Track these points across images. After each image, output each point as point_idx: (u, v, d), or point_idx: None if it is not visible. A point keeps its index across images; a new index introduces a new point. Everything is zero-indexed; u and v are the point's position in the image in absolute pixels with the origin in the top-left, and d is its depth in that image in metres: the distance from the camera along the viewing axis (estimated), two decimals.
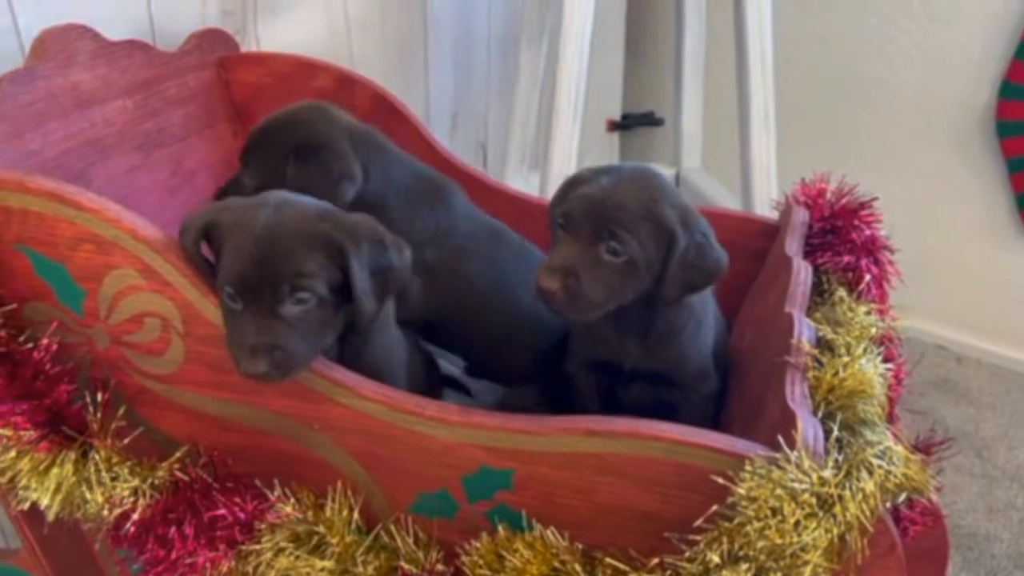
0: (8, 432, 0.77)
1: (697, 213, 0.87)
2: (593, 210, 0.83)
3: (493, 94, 1.95)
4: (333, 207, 0.81)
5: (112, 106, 1.04)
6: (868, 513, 0.65)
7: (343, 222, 0.79)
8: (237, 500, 0.81)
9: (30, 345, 0.82)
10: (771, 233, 1.07)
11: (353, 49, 1.56)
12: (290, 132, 0.97)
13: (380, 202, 0.98)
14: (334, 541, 0.79)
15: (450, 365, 1.20)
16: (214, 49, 1.21)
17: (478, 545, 0.78)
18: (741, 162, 1.64)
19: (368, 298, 0.78)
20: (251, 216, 0.76)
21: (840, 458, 0.67)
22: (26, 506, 0.81)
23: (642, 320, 0.90)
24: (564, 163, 1.50)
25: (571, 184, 0.87)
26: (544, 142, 1.53)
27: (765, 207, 1.54)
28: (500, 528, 0.78)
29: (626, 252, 0.82)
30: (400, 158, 1.05)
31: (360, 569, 0.79)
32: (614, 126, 2.33)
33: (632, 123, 2.33)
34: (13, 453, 0.79)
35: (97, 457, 0.80)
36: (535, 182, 1.64)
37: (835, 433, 0.69)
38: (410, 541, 0.81)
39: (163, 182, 1.11)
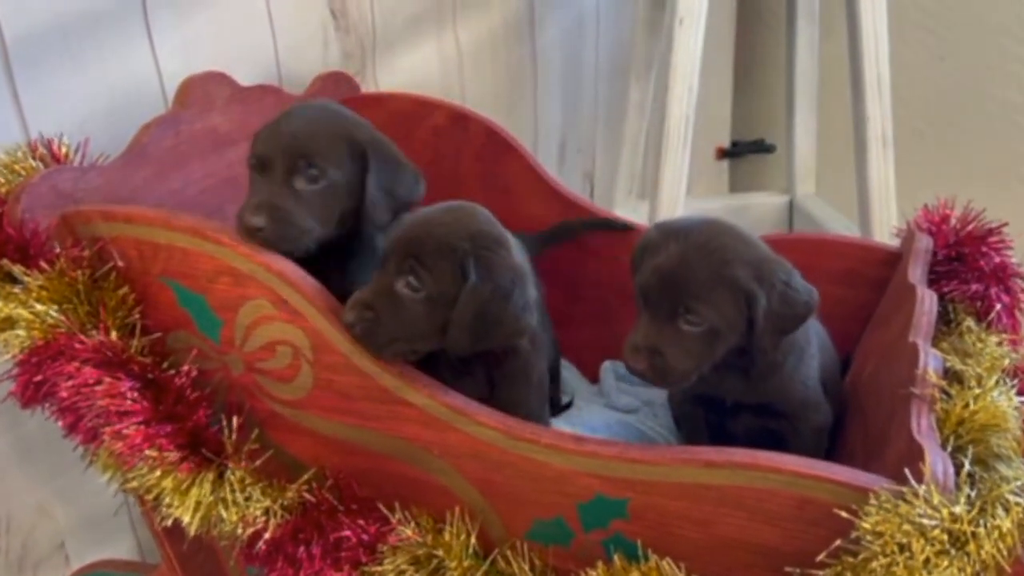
0: (153, 453, 0.83)
1: (774, 260, 0.85)
2: (665, 286, 0.83)
3: (600, 125, 1.96)
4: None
5: (246, 147, 1.10)
6: (1005, 552, 0.62)
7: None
8: (361, 522, 0.84)
9: (172, 371, 0.88)
10: (893, 261, 1.04)
11: (465, 83, 1.61)
12: (353, 129, 0.94)
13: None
14: (452, 565, 0.81)
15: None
16: (337, 91, 1.27)
17: (594, 574, 0.78)
18: (858, 188, 1.59)
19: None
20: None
21: (973, 494, 0.65)
22: (169, 523, 0.87)
23: (742, 359, 0.89)
24: (674, 192, 1.49)
25: (644, 250, 0.87)
26: (653, 171, 1.54)
27: (884, 234, 1.50)
28: (616, 558, 0.79)
29: (705, 322, 0.82)
30: None
31: None
32: (723, 153, 2.31)
33: (742, 150, 2.30)
34: (158, 473, 0.84)
35: (232, 478, 0.85)
36: (643, 210, 1.64)
37: (966, 468, 0.67)
38: (526, 568, 0.82)
39: None
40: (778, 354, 0.89)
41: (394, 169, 0.94)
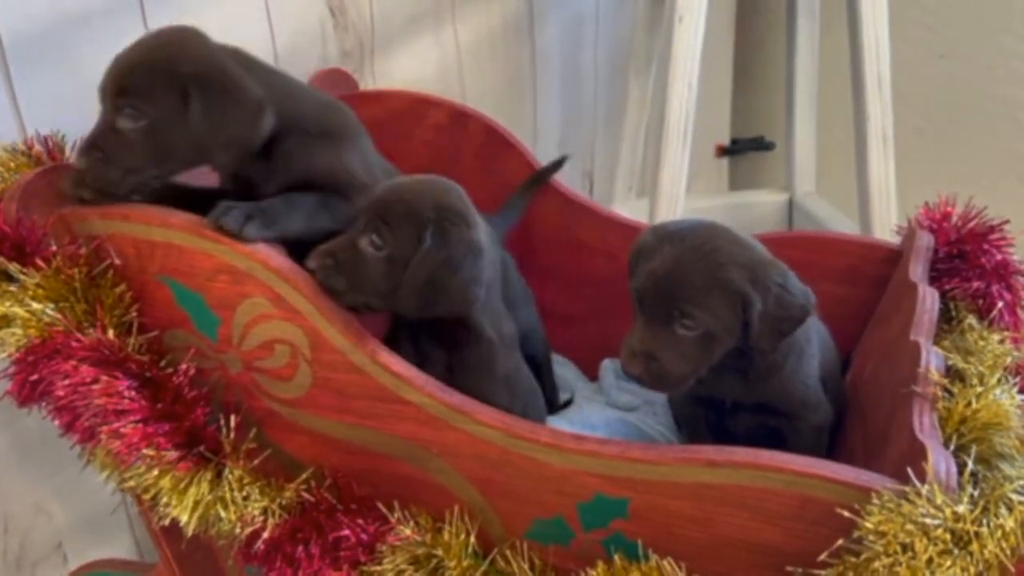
0: (151, 452, 0.82)
1: (770, 262, 0.85)
2: (660, 290, 0.82)
3: (600, 124, 1.96)
4: None
5: None
6: (1008, 552, 0.62)
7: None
8: (360, 522, 0.83)
9: (170, 370, 0.88)
10: (894, 259, 1.04)
11: (464, 81, 1.61)
12: (178, 61, 0.85)
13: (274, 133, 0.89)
14: (451, 564, 0.81)
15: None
16: (335, 88, 1.26)
17: (594, 574, 0.78)
18: (858, 186, 1.59)
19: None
20: None
21: (976, 493, 0.65)
22: (166, 522, 0.86)
23: (740, 361, 0.89)
24: (673, 190, 1.49)
25: (638, 254, 0.87)
26: (653, 169, 1.53)
27: (885, 232, 1.49)
28: (616, 558, 0.78)
29: (700, 326, 0.82)
30: (292, 80, 0.94)
31: None
32: (723, 151, 2.31)
33: (741, 148, 2.30)
34: (156, 472, 0.84)
35: (230, 477, 0.84)
36: (643, 207, 1.64)
37: (969, 467, 0.67)
38: (526, 567, 0.81)
39: None
40: (778, 355, 0.89)
41: (224, 105, 0.85)
